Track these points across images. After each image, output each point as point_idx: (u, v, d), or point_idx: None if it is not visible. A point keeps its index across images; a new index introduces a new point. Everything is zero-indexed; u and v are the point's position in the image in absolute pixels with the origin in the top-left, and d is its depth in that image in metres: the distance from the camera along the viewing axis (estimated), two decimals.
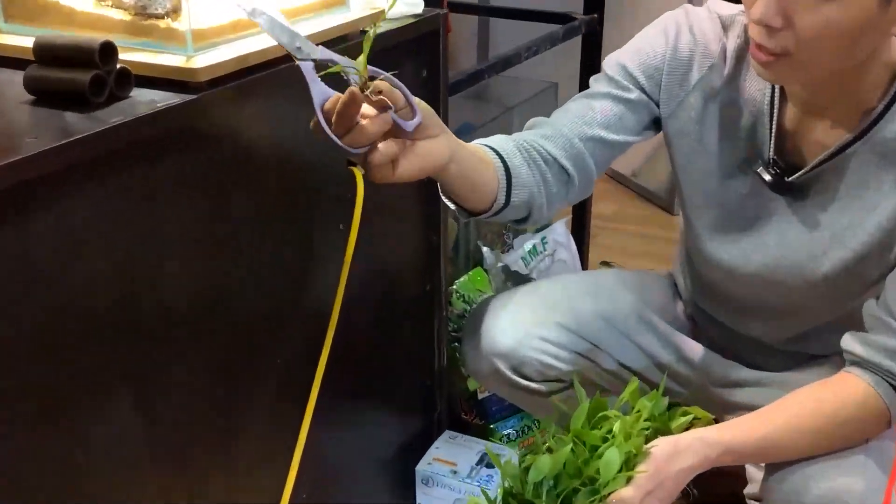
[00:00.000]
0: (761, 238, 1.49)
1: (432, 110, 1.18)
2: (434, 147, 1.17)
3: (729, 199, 1.50)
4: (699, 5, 1.53)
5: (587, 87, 1.54)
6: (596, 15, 2.27)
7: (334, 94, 1.07)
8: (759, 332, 1.61)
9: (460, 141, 1.28)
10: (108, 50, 1.09)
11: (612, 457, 1.23)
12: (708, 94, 1.47)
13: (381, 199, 1.55)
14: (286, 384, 1.45)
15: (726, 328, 1.65)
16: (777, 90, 1.41)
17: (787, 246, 1.47)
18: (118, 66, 1.10)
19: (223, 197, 1.26)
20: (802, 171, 1.41)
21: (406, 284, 1.73)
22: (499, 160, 1.36)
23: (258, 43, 1.26)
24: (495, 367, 1.57)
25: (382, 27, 1.46)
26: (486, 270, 2.06)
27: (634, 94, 1.49)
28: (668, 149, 1.55)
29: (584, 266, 2.46)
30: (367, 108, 1.07)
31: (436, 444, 1.78)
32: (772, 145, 1.43)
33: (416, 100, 1.13)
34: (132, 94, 1.13)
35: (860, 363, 1.34)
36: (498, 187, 1.34)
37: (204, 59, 1.18)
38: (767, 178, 1.44)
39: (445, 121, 1.53)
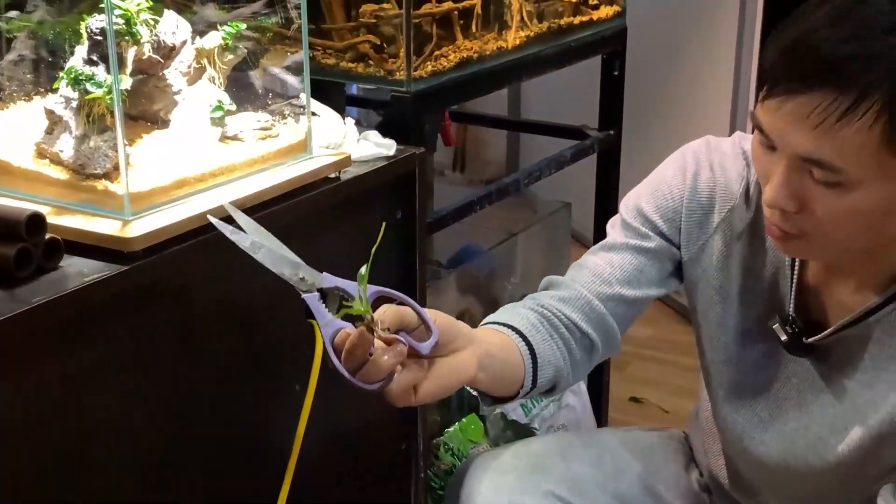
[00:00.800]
0: (779, 405, 1.50)
1: (452, 321, 1.24)
2: (458, 363, 1.24)
3: (747, 358, 1.52)
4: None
5: (603, 208, 1.58)
6: (612, 131, 2.33)
7: (344, 328, 1.15)
8: None
9: (486, 341, 1.33)
10: (37, 222, 1.15)
11: None
12: (730, 239, 1.50)
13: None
14: None
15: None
16: None
17: (807, 416, 1.48)
18: (47, 236, 1.16)
19: (164, 367, 1.33)
20: (823, 333, 1.42)
21: (376, 445, 1.75)
22: (522, 342, 1.42)
23: (199, 204, 1.33)
24: None
25: (352, 171, 1.56)
26: (481, 417, 2.07)
27: (654, 243, 1.53)
28: (688, 295, 1.57)
29: (605, 407, 2.45)
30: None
31: None
32: (791, 300, 1.45)
33: (431, 315, 1.19)
34: (62, 263, 1.20)
35: None
36: (524, 373, 1.40)
37: (140, 226, 1.24)
38: (783, 337, 1.44)
39: (422, 255, 1.68)
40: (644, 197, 1.54)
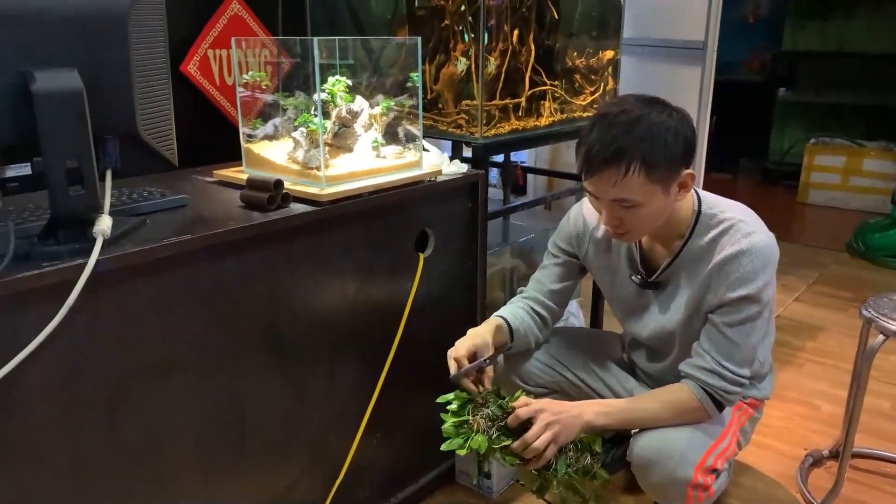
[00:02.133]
0: (645, 319, 1.55)
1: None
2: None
3: (626, 298, 1.56)
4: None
5: None
6: None
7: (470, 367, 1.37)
8: (656, 369, 1.64)
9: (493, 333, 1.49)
10: (279, 183, 1.34)
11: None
12: (596, 244, 1.56)
13: (440, 272, 1.67)
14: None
15: (639, 366, 1.69)
16: None
17: (656, 321, 1.53)
18: (283, 191, 1.35)
19: (334, 257, 1.42)
20: (655, 274, 1.49)
21: (455, 320, 1.71)
22: (506, 324, 1.55)
23: (362, 183, 1.45)
24: (512, 380, 1.67)
25: (443, 178, 1.63)
26: None
27: (562, 259, 1.61)
28: (593, 277, 1.64)
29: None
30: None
31: None
32: (638, 261, 1.50)
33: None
34: (291, 205, 1.36)
35: (686, 376, 1.40)
36: (507, 338, 1.56)
37: (329, 191, 1.39)
38: (637, 280, 1.52)
39: (484, 237, 1.73)
40: (556, 236, 1.63)
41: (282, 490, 1.42)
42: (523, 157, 3.35)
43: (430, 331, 1.67)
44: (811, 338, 2.84)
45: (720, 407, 1.37)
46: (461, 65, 1.81)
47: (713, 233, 1.37)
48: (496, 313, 1.57)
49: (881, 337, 1.63)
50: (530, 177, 3.34)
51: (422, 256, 1.59)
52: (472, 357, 1.39)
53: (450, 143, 1.90)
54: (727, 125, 5.03)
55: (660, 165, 1.26)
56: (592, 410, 1.37)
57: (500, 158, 2.30)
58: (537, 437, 1.29)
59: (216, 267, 1.20)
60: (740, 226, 1.34)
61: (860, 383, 1.69)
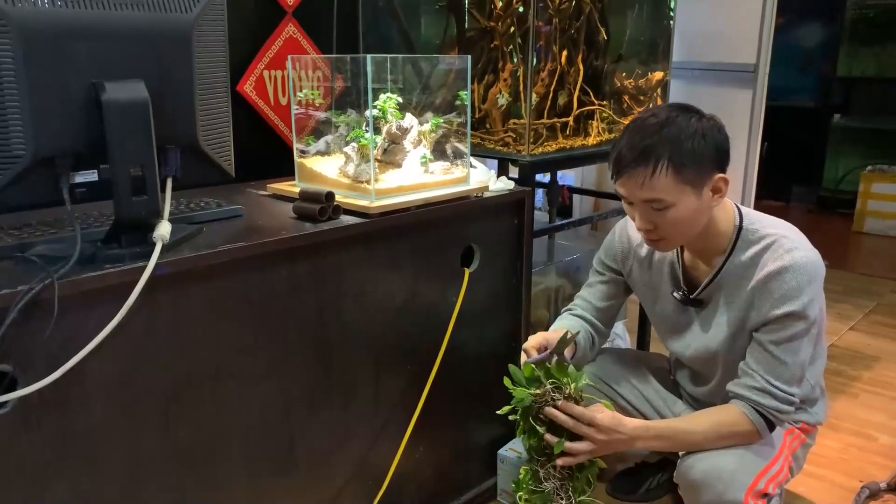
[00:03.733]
0: (687, 338, 1.52)
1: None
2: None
3: (668, 315, 1.53)
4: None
5: None
6: None
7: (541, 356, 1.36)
8: (701, 393, 1.60)
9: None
10: (330, 195, 1.37)
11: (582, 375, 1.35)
12: (640, 260, 1.55)
13: (485, 288, 1.66)
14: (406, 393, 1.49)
15: (685, 389, 1.65)
16: (678, 247, 1.46)
17: (699, 340, 1.49)
18: (335, 202, 1.37)
19: (381, 269, 1.43)
20: (697, 290, 1.45)
21: (498, 339, 1.71)
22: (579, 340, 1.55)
23: (410, 197, 1.45)
24: None
25: (492, 193, 1.63)
26: None
27: (608, 276, 1.60)
28: (636, 294, 1.61)
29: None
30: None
31: (515, 440, 1.80)
32: (681, 276, 1.47)
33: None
34: (341, 216, 1.38)
35: (735, 396, 1.36)
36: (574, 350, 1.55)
37: (378, 203, 1.41)
38: (679, 296, 1.49)
39: (529, 254, 1.72)
40: (602, 253, 1.62)
41: (326, 500, 1.42)
42: (570, 180, 3.33)
43: (474, 346, 1.66)
44: (867, 368, 2.75)
45: (771, 427, 1.34)
46: (502, 99, 1.85)
47: (755, 248, 1.34)
48: (553, 326, 1.57)
49: None
50: (576, 198, 3.34)
51: (467, 271, 1.59)
52: (542, 349, 1.40)
53: (496, 161, 1.92)
54: (780, 151, 4.93)
55: (688, 165, 1.25)
56: (641, 434, 1.35)
57: (545, 180, 2.30)
58: (582, 450, 1.31)
59: (268, 275, 1.22)
60: (782, 241, 1.32)
61: None
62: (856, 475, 2.01)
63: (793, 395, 1.31)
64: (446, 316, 1.57)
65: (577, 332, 1.50)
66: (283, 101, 2.08)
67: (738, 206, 1.40)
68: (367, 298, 1.40)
